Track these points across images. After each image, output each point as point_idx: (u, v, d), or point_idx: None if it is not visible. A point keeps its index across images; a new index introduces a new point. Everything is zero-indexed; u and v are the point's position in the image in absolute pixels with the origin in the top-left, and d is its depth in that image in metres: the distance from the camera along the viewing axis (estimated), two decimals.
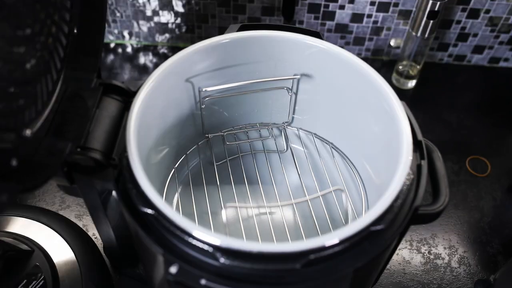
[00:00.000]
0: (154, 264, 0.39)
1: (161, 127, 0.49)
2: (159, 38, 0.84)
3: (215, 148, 0.59)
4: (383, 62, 0.85)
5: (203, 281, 0.33)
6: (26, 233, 0.52)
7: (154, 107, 0.45)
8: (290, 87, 0.55)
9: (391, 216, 0.36)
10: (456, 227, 0.63)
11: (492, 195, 0.66)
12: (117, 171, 0.39)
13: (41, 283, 0.48)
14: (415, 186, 0.39)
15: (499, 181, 0.68)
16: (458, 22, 0.79)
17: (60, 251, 0.51)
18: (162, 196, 0.52)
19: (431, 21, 0.71)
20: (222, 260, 0.33)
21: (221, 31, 0.74)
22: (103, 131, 0.39)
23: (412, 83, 0.80)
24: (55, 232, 0.53)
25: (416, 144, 0.42)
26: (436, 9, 0.69)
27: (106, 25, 0.81)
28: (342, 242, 0.34)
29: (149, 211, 0.36)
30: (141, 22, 0.81)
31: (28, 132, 0.34)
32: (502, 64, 0.85)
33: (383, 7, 0.77)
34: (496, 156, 0.71)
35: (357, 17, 0.78)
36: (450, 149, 0.72)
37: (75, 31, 0.41)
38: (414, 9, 0.76)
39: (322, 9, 0.77)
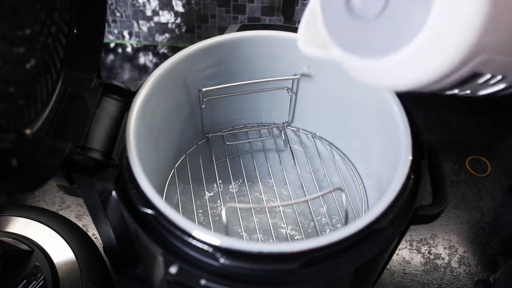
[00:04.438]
0: (154, 264, 0.39)
1: (161, 127, 0.49)
2: (159, 38, 0.84)
3: (215, 148, 0.59)
4: None
5: (203, 281, 0.33)
6: (26, 233, 0.52)
7: (154, 107, 0.45)
8: (290, 87, 0.55)
9: (391, 216, 0.36)
10: (456, 227, 0.63)
11: (492, 195, 0.66)
12: (117, 171, 0.39)
13: (41, 283, 0.48)
14: (415, 186, 0.39)
15: (499, 181, 0.68)
16: None
17: (60, 251, 0.51)
18: (162, 196, 0.52)
19: None
20: (222, 260, 0.33)
21: (221, 31, 0.74)
22: (103, 131, 0.39)
23: None
24: (55, 232, 0.53)
25: (416, 144, 0.42)
26: None
27: (106, 25, 0.81)
28: (342, 242, 0.34)
29: (149, 211, 0.36)
30: (141, 22, 0.81)
31: (28, 132, 0.34)
32: None
33: None
34: (496, 156, 0.71)
35: None
36: (450, 149, 0.72)
37: (75, 31, 0.41)
38: None
39: None
